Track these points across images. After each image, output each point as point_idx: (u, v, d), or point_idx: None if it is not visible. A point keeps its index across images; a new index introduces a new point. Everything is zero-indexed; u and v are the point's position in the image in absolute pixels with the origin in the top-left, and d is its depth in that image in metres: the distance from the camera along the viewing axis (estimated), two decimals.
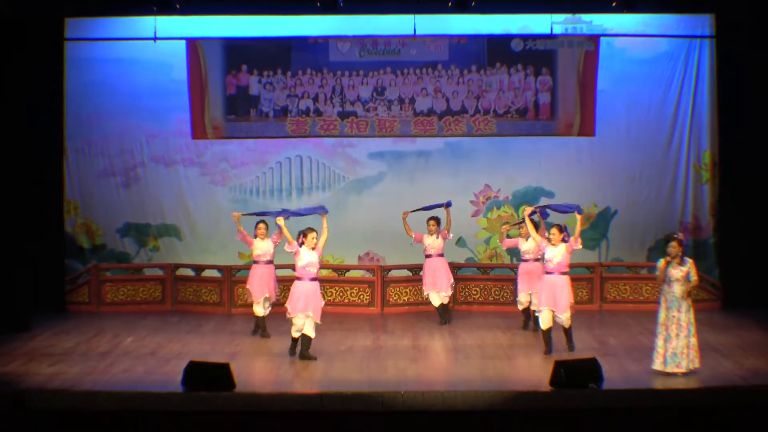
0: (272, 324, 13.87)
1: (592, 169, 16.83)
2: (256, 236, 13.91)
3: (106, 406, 10.15)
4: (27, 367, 11.95)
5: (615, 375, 11.13)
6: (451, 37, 16.29)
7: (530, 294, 13.83)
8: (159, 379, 11.32)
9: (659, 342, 11.34)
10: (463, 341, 13.65)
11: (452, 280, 14.88)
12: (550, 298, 12.60)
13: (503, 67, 16.34)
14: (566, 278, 12.65)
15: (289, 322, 12.38)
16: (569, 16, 16.33)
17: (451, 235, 14.91)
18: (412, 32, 15.68)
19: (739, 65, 15.97)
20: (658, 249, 16.12)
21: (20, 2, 15.20)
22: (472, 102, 16.35)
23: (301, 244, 12.28)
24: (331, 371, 11.78)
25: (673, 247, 11.32)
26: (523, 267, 14.20)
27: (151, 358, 12.47)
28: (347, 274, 16.37)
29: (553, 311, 12.58)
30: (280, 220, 12.57)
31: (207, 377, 10.39)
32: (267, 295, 13.83)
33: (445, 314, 14.85)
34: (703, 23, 16.47)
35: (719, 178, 16.47)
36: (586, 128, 16.34)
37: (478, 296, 16.32)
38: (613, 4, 15.07)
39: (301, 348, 12.34)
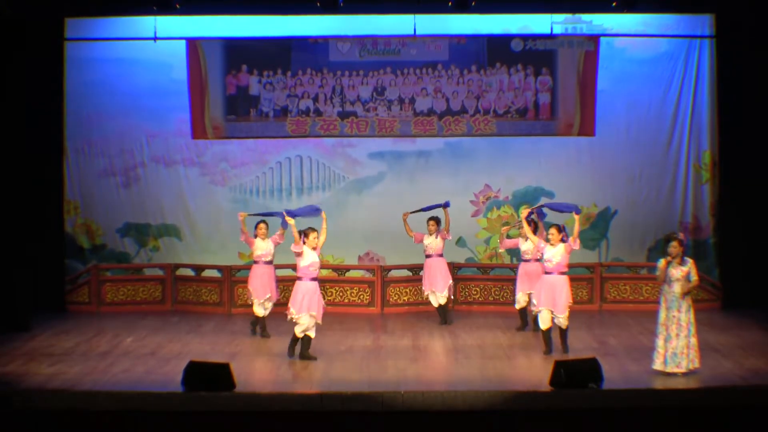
0: (272, 324, 13.86)
1: (592, 169, 16.83)
2: (256, 236, 13.90)
3: (106, 406, 10.15)
4: (27, 367, 11.94)
5: (615, 375, 11.13)
6: (451, 37, 16.29)
7: (528, 294, 13.82)
8: (159, 379, 11.32)
9: (659, 342, 11.34)
10: (463, 341, 13.65)
11: (450, 281, 14.84)
12: (549, 299, 12.59)
13: (503, 67, 16.34)
14: (565, 278, 12.65)
15: (290, 323, 12.34)
16: (569, 16, 16.32)
17: (451, 236, 14.91)
18: (412, 32, 15.67)
19: (739, 65, 15.97)
20: (658, 249, 16.12)
21: (20, 2, 15.19)
22: (472, 102, 16.35)
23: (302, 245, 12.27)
24: (331, 371, 11.78)
25: (674, 247, 11.31)
26: (523, 267, 14.20)
27: (151, 358, 12.47)
28: (347, 274, 16.36)
29: (551, 311, 12.59)
30: (291, 220, 12.51)
31: (207, 377, 10.39)
32: (269, 295, 13.83)
33: (444, 315, 14.85)
34: (703, 23, 16.46)
35: (719, 178, 16.47)
36: (586, 128, 16.34)
37: (478, 296, 16.31)
38: (613, 4, 15.06)
39: (302, 348, 12.33)
